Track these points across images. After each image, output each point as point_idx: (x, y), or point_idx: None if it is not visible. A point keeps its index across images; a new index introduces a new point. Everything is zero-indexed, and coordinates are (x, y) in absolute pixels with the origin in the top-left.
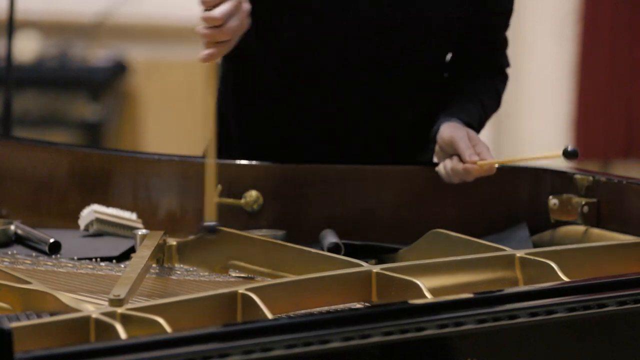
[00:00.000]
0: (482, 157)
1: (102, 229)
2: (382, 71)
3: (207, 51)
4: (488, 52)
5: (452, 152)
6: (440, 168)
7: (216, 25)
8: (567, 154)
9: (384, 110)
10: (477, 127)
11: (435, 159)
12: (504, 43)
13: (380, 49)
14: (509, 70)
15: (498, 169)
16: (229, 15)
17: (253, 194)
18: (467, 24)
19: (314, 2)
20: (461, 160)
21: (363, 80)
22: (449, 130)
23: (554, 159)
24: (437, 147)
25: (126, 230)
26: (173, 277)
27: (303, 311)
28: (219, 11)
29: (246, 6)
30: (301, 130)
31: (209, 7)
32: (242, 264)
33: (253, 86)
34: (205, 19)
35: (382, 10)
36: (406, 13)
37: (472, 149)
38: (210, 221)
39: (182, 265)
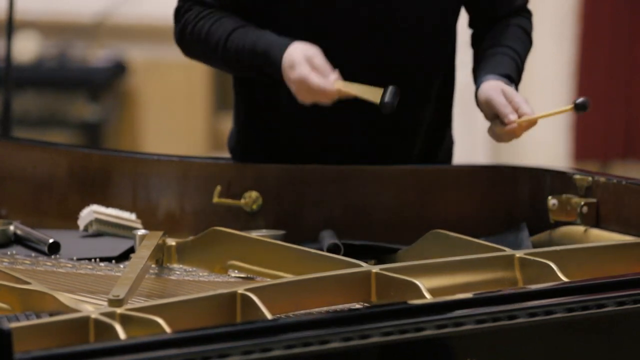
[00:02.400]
0: (521, 111)
1: (102, 229)
2: (388, 69)
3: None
4: None
5: (492, 112)
6: (490, 132)
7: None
8: (577, 107)
9: (405, 106)
10: (516, 74)
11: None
12: None
13: (385, 47)
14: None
15: (498, 169)
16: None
17: (253, 194)
18: None
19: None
20: (502, 121)
21: (379, 74)
22: (485, 91)
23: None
24: (482, 110)
25: (125, 230)
26: (172, 278)
27: (302, 311)
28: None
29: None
30: (308, 129)
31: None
32: (241, 264)
33: (256, 84)
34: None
35: (387, 6)
36: (408, 6)
37: (509, 106)
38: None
39: (181, 266)
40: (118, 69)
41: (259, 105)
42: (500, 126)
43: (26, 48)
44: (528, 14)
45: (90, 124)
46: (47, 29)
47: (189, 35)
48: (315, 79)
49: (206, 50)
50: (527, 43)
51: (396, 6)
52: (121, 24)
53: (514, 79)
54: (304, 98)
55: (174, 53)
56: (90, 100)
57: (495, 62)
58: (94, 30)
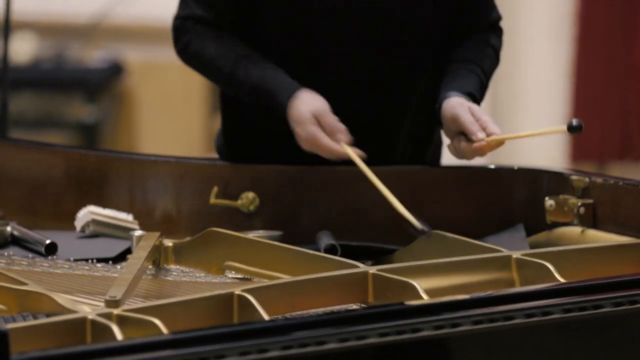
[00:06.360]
0: (488, 130)
1: (99, 230)
2: (379, 67)
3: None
4: (477, 10)
5: (457, 129)
6: (451, 148)
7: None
8: (571, 128)
9: (385, 108)
10: (480, 94)
11: (444, 137)
12: None
13: (375, 43)
14: (502, 23)
15: (495, 170)
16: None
17: (249, 195)
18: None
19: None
20: (469, 138)
21: (361, 77)
22: (451, 107)
23: (559, 133)
24: (444, 125)
25: (122, 231)
26: (169, 279)
27: (299, 312)
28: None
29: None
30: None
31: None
32: (238, 265)
33: None
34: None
35: (374, 2)
36: (397, 3)
37: (477, 124)
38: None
39: (178, 267)
40: (115, 70)
41: (244, 108)
42: (465, 143)
43: (23, 49)
44: (500, 32)
45: (86, 124)
46: (44, 29)
47: (192, 54)
48: (325, 141)
49: (208, 73)
50: (495, 61)
51: (384, 7)
52: (118, 25)
53: (477, 98)
54: (310, 150)
55: (171, 54)
56: (87, 101)
57: (462, 79)
58: (91, 31)
